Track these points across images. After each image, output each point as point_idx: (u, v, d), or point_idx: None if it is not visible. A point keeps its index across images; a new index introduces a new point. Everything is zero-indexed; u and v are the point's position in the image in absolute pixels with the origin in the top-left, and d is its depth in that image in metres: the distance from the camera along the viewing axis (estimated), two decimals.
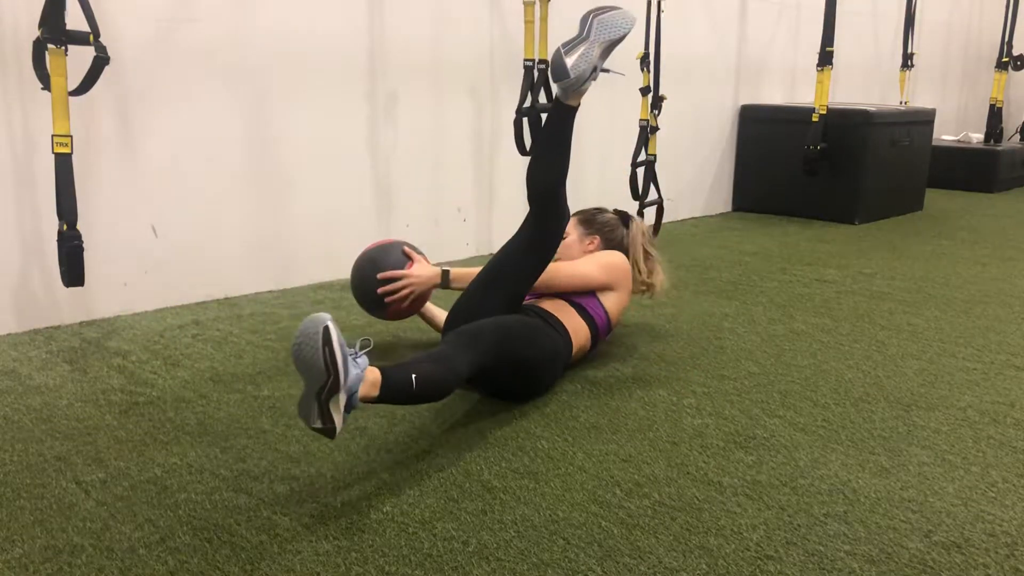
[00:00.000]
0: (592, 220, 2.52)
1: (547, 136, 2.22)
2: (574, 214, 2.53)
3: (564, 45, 2.11)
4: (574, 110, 2.16)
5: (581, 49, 2.09)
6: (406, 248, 2.37)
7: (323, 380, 1.52)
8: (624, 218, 2.56)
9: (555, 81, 2.12)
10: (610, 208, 2.59)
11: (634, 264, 2.47)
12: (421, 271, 2.31)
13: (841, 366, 2.41)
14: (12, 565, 1.41)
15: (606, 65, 2.16)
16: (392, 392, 1.70)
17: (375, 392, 1.66)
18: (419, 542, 1.49)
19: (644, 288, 2.52)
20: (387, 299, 2.29)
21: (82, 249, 2.34)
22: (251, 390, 2.16)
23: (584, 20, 2.13)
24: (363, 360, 1.63)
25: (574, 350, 2.24)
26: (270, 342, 2.53)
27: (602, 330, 2.35)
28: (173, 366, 2.32)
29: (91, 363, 2.33)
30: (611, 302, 2.36)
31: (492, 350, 1.95)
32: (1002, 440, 1.94)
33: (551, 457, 1.82)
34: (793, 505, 1.63)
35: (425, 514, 1.58)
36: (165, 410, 2.03)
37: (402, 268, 2.31)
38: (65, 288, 2.38)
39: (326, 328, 1.52)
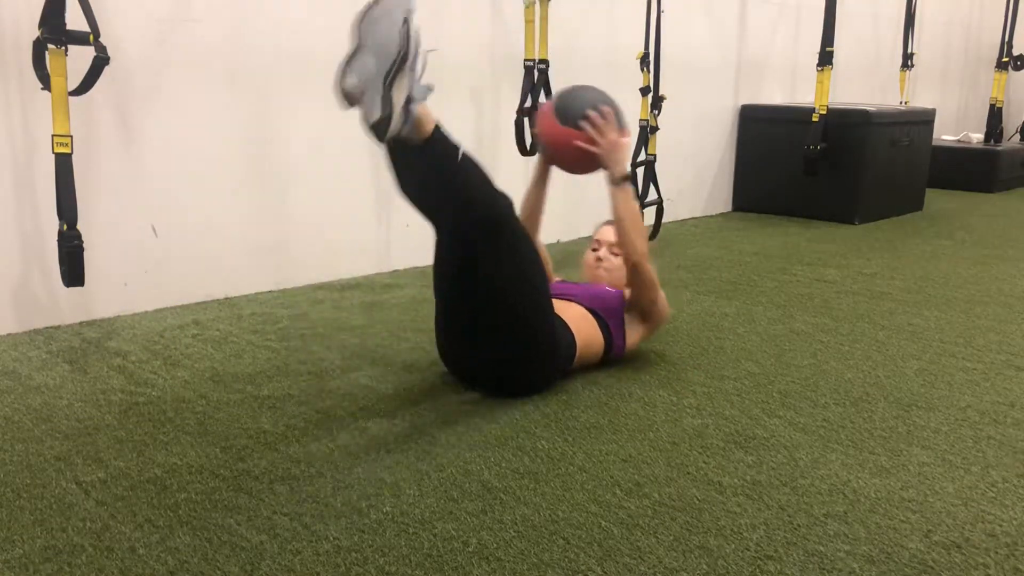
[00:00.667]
0: None
1: (439, 172, 1.94)
2: (608, 221, 2.42)
3: (370, 120, 1.78)
4: (434, 137, 1.86)
5: (385, 113, 1.75)
6: (624, 129, 2.26)
7: (395, 56, 1.41)
8: None
9: (382, 137, 1.79)
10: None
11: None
12: (621, 152, 2.20)
13: (841, 366, 2.41)
14: (12, 565, 1.41)
15: (424, 89, 1.83)
16: (442, 139, 1.71)
17: (430, 126, 1.63)
18: (419, 542, 1.49)
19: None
20: (580, 123, 2.16)
21: (82, 249, 2.34)
22: (251, 390, 2.16)
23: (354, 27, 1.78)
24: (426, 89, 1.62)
25: (577, 354, 2.21)
26: (270, 342, 2.53)
27: (616, 350, 2.31)
28: (173, 366, 2.32)
29: (91, 363, 2.33)
30: (636, 334, 2.34)
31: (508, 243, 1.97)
32: (1002, 440, 1.94)
33: (551, 457, 1.82)
34: (793, 505, 1.63)
35: (425, 514, 1.58)
36: (165, 410, 2.03)
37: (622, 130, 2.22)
38: (65, 288, 2.38)
39: (410, 9, 1.40)
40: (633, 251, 2.24)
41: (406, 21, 1.40)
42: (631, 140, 2.21)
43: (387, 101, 1.73)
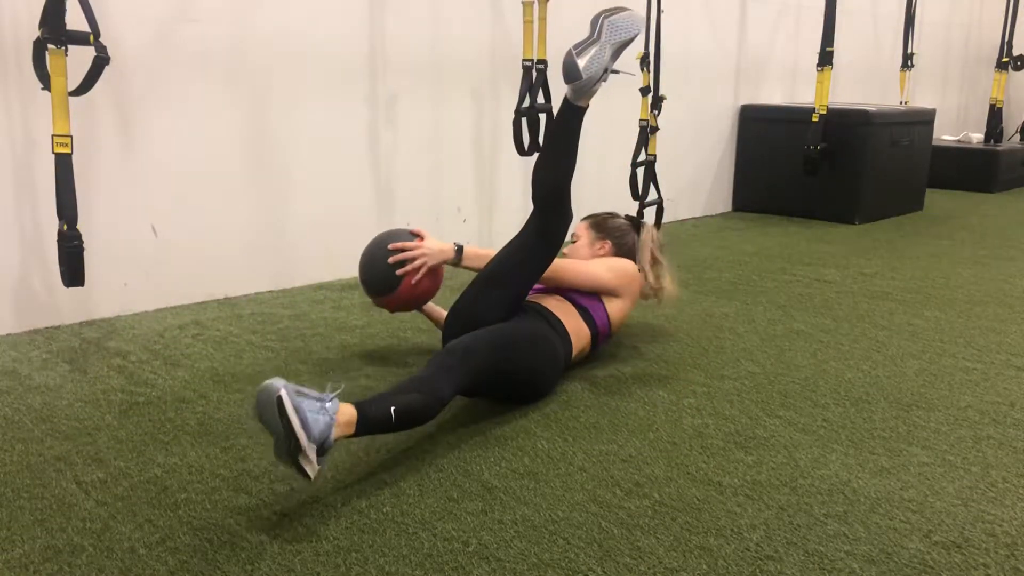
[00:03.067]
0: (603, 225, 2.52)
1: (555, 136, 2.22)
2: (585, 217, 2.55)
3: (576, 47, 2.10)
4: (583, 111, 2.16)
5: (592, 51, 2.10)
6: (413, 229, 2.32)
7: (287, 444, 1.54)
8: (635, 224, 2.56)
9: (567, 83, 2.12)
10: (621, 213, 2.59)
11: (642, 269, 2.47)
12: (433, 244, 2.26)
13: (841, 366, 2.41)
14: (12, 565, 1.41)
15: (616, 66, 2.16)
16: (370, 427, 1.70)
17: (351, 430, 1.66)
18: (419, 542, 1.49)
19: (652, 293, 2.52)
20: (399, 271, 2.21)
21: (82, 249, 2.34)
22: (251, 390, 2.16)
23: (595, 22, 2.13)
24: (333, 405, 1.62)
25: (574, 352, 2.24)
26: (270, 342, 2.53)
27: (602, 334, 2.35)
28: (173, 366, 2.32)
29: (91, 363, 2.33)
30: (615, 308, 2.36)
31: (487, 367, 1.96)
32: (1002, 440, 1.94)
33: (551, 457, 1.82)
34: (793, 505, 1.63)
35: (425, 514, 1.58)
36: (165, 410, 2.03)
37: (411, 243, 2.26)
38: (65, 288, 2.38)
39: (279, 399, 1.53)
40: (556, 284, 2.30)
41: (282, 413, 1.56)
42: (425, 233, 2.28)
43: (611, 55, 2.14)
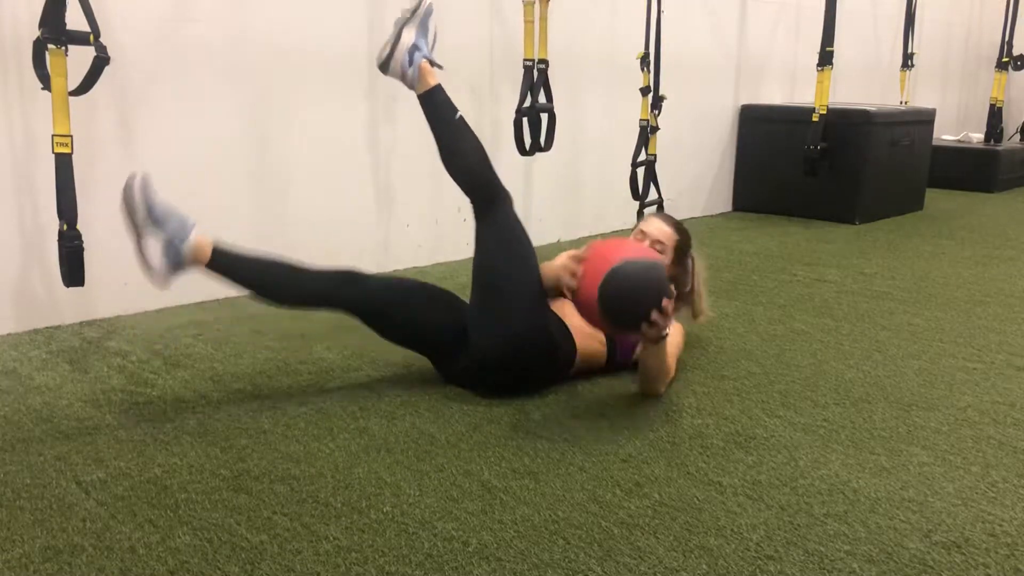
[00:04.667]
0: (683, 251, 2.39)
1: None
2: (673, 222, 2.41)
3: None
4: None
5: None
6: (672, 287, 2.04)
7: (410, 10, 2.02)
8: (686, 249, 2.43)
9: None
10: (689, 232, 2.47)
11: (695, 293, 2.40)
12: (672, 317, 2.03)
13: (841, 366, 2.41)
14: (12, 565, 1.41)
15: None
16: (439, 95, 2.16)
17: (432, 81, 2.16)
18: (419, 542, 1.49)
19: (693, 316, 2.43)
20: (645, 328, 1.95)
21: (82, 249, 2.33)
22: (251, 390, 2.16)
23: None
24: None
25: (576, 359, 2.19)
26: (270, 342, 2.53)
27: (621, 355, 2.26)
28: (173, 366, 2.32)
29: (91, 363, 2.33)
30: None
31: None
32: (1002, 440, 1.94)
33: (551, 457, 1.82)
34: (793, 505, 1.63)
35: (425, 514, 1.58)
36: (165, 410, 2.03)
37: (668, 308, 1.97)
38: (65, 288, 2.38)
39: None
40: (652, 391, 2.14)
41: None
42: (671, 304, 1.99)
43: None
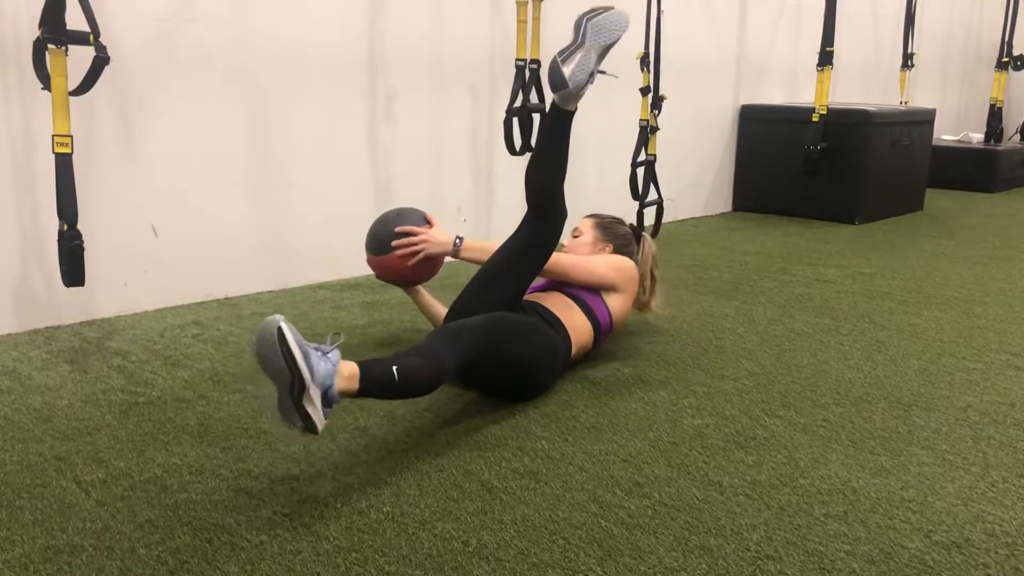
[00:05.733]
0: (610, 228, 2.54)
1: (546, 139, 2.24)
2: (591, 215, 2.58)
3: (560, 53, 2.08)
4: (571, 115, 2.16)
5: (578, 56, 2.07)
6: (428, 215, 2.40)
7: (289, 380, 1.51)
8: (637, 235, 2.58)
9: (554, 91, 2.11)
10: (626, 222, 2.61)
11: (640, 281, 2.49)
12: (437, 234, 2.33)
13: (841, 366, 2.41)
14: (12, 565, 1.41)
15: (602, 67, 2.15)
16: (373, 385, 1.66)
17: (355, 385, 1.63)
18: (419, 542, 1.49)
19: (640, 306, 2.56)
20: (398, 251, 2.30)
21: (82, 249, 2.34)
22: (251, 390, 2.16)
23: (578, 25, 2.11)
24: (335, 355, 1.61)
25: (574, 350, 2.24)
26: None
27: (604, 330, 2.36)
28: (173, 366, 2.32)
29: (91, 363, 2.33)
30: (616, 303, 2.37)
31: (478, 345, 1.94)
32: (1002, 440, 1.94)
33: (551, 457, 1.82)
34: (793, 505, 1.63)
35: (425, 514, 1.58)
36: (165, 410, 2.03)
37: (421, 227, 2.34)
38: (65, 288, 2.38)
39: (279, 329, 1.50)
40: (560, 277, 2.33)
41: (283, 343, 1.53)
42: (436, 222, 2.37)
43: (598, 56, 2.11)
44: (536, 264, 2.22)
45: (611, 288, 2.36)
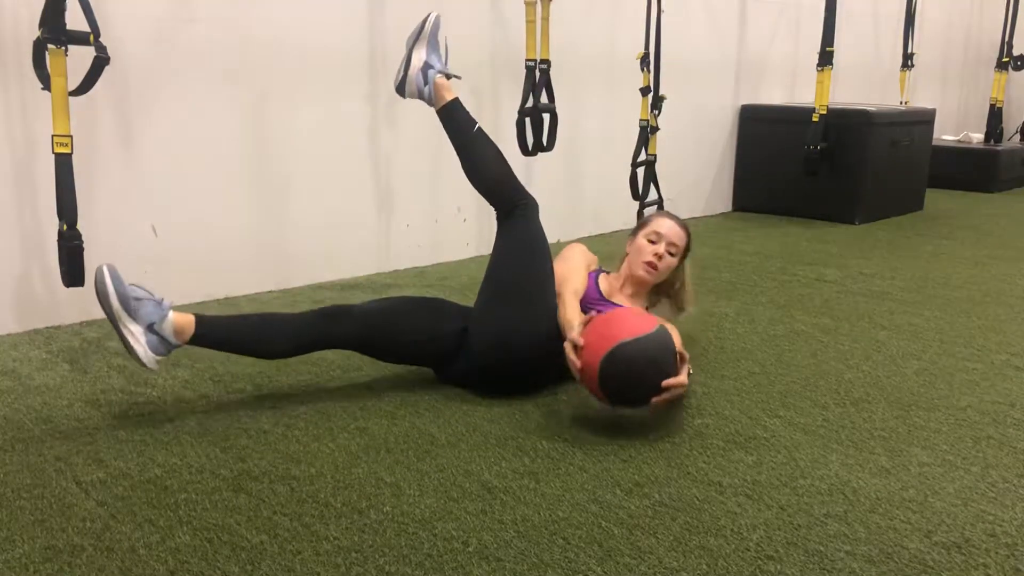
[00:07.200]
0: (688, 250, 2.44)
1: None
2: (683, 225, 2.43)
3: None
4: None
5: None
6: (680, 350, 2.01)
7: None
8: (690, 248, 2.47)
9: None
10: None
11: (683, 289, 2.45)
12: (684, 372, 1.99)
13: (841, 366, 2.41)
14: (12, 565, 1.41)
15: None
16: (456, 111, 2.19)
17: (448, 96, 2.18)
18: (419, 542, 1.49)
19: (677, 311, 2.47)
20: (655, 399, 1.91)
21: (82, 249, 2.34)
22: (251, 390, 2.16)
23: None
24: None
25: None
26: None
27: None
28: (173, 366, 2.32)
29: (91, 363, 2.33)
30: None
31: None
32: (1002, 440, 1.94)
33: (551, 457, 1.82)
34: (793, 505, 1.63)
35: (425, 514, 1.58)
36: (165, 410, 2.03)
37: (676, 372, 1.95)
38: (65, 288, 2.38)
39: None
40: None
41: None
42: (687, 357, 2.01)
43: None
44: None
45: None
